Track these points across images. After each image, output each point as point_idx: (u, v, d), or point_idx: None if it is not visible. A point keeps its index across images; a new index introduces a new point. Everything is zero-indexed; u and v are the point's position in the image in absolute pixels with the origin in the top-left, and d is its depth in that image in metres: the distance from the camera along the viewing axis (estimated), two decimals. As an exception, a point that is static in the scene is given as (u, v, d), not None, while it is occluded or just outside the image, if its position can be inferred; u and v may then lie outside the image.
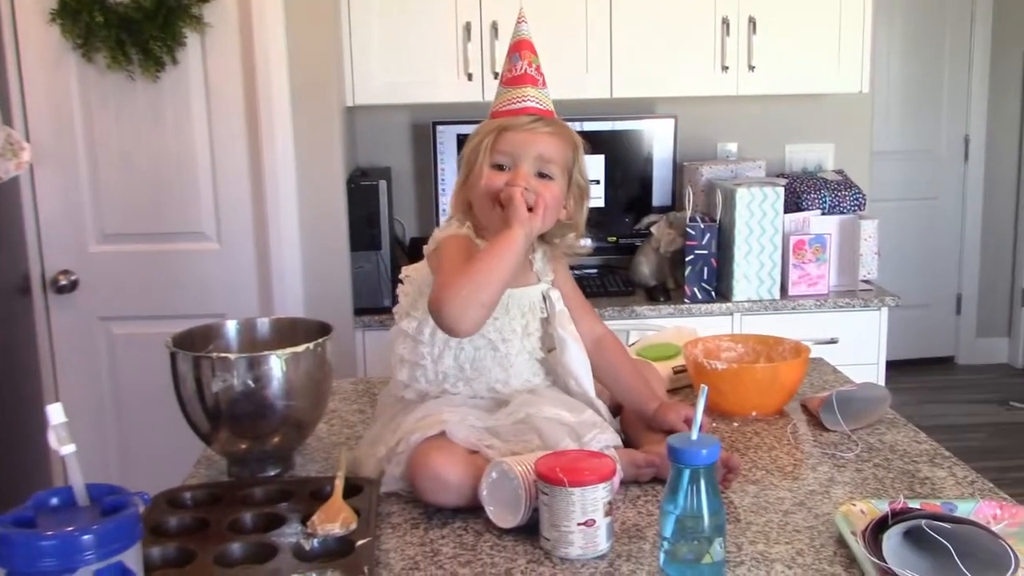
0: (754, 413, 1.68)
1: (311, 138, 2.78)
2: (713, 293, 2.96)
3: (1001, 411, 4.67)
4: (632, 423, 1.55)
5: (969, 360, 5.34)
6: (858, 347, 2.99)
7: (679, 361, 1.84)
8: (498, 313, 1.46)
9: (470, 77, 2.96)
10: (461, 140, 3.14)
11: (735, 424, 1.66)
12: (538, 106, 1.48)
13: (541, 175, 1.46)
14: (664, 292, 3.02)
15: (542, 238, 1.54)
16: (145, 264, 2.81)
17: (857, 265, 3.06)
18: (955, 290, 5.34)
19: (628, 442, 1.50)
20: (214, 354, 1.39)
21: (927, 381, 5.06)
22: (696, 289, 2.95)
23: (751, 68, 3.06)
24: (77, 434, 0.97)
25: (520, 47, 1.51)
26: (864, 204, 3.14)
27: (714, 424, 1.61)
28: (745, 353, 1.80)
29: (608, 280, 3.16)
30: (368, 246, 2.91)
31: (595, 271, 3.27)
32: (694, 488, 1.13)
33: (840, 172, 3.31)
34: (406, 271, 1.55)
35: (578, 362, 1.50)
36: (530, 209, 1.41)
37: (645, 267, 3.11)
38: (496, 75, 2.93)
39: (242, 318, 1.59)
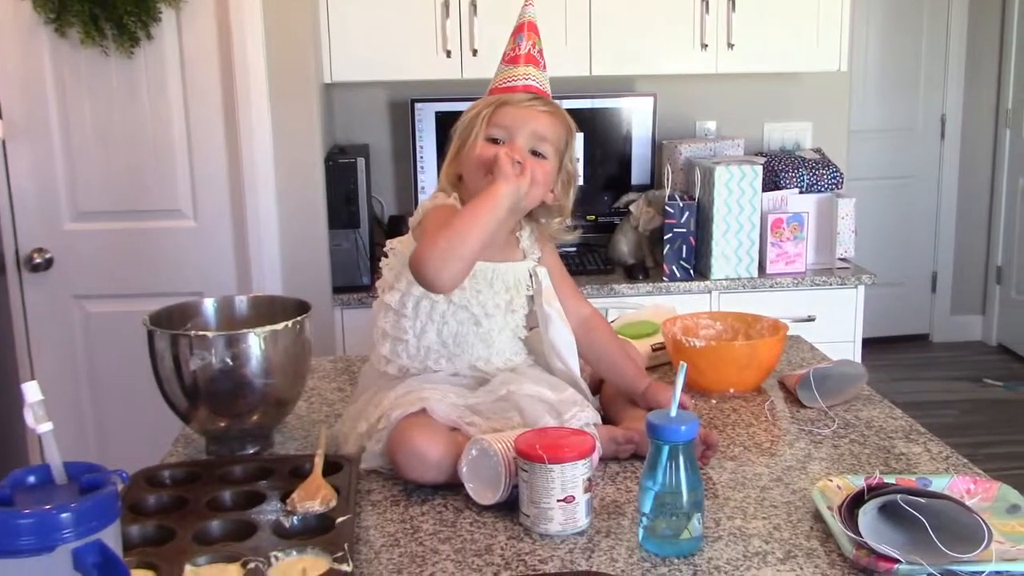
0: (732, 390, 1.69)
1: (288, 115, 2.76)
2: (691, 271, 2.97)
3: (975, 388, 4.72)
4: (612, 400, 1.56)
5: (944, 338, 5.39)
6: (835, 325, 3.01)
7: (657, 339, 1.85)
8: (481, 287, 1.46)
9: (448, 54, 2.95)
10: (440, 117, 3.13)
11: (713, 401, 1.67)
12: (538, 86, 1.49)
13: (534, 153, 1.46)
14: (643, 270, 3.02)
15: (529, 216, 1.54)
16: (121, 242, 2.79)
17: (834, 243, 3.08)
18: (930, 268, 5.39)
19: (608, 419, 1.51)
20: (192, 332, 1.38)
21: (902, 359, 5.10)
22: (674, 267, 2.96)
23: (730, 46, 3.06)
24: (54, 413, 0.96)
25: (525, 28, 1.53)
26: (842, 183, 3.15)
27: (694, 402, 1.61)
28: (723, 331, 1.81)
29: (587, 258, 3.17)
30: (346, 224, 2.89)
31: (574, 249, 3.27)
32: (673, 464, 1.14)
33: (818, 151, 3.32)
34: (390, 243, 1.54)
35: (562, 339, 1.51)
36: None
37: (624, 245, 3.12)
38: (475, 52, 2.93)
39: (220, 296, 1.58)
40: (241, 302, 1.58)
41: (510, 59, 1.52)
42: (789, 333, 1.78)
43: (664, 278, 2.97)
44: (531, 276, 1.52)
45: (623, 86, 3.28)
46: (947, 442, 1.48)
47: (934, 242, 5.36)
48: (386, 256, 1.53)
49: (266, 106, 2.74)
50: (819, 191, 3.12)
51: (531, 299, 1.53)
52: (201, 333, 1.38)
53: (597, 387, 1.61)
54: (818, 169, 3.14)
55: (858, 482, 1.22)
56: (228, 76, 2.72)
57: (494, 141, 1.46)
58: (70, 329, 2.82)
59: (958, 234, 5.34)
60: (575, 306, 1.58)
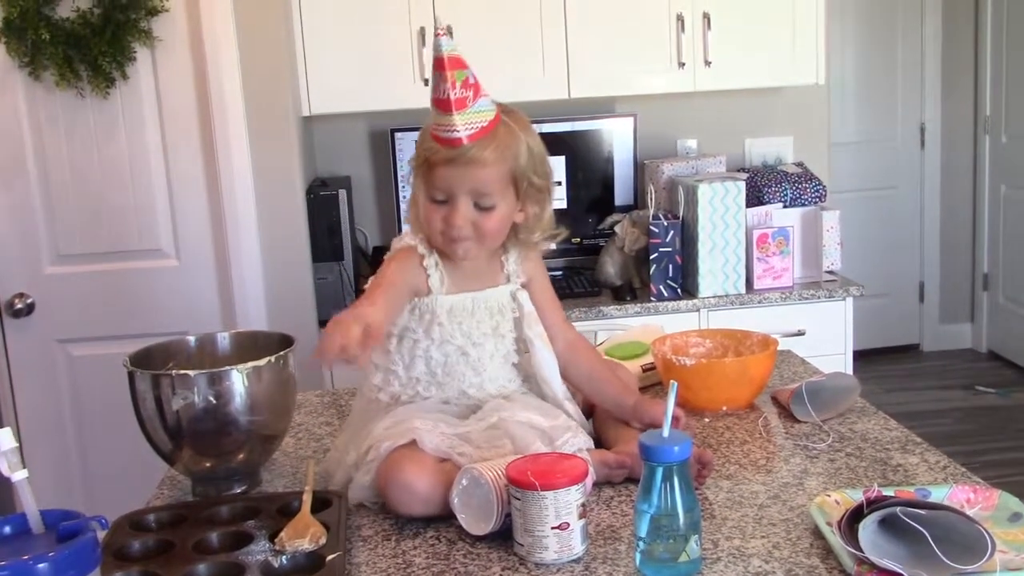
0: (724, 408, 1.67)
1: (268, 149, 2.76)
2: (679, 290, 2.95)
3: (968, 396, 4.71)
4: (605, 423, 1.53)
5: (934, 347, 5.39)
6: (825, 338, 3.00)
7: (647, 359, 1.83)
8: (462, 318, 1.44)
9: (426, 83, 2.93)
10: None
11: (706, 419, 1.65)
12: (467, 133, 1.34)
13: (479, 206, 1.40)
14: (630, 291, 3.01)
15: (511, 236, 1.50)
16: (103, 284, 2.77)
17: (820, 256, 3.07)
18: (917, 278, 5.39)
19: (601, 443, 1.49)
20: (173, 371, 1.36)
21: (893, 369, 5.09)
22: (662, 287, 2.95)
23: (707, 64, 3.06)
24: (38, 458, 0.94)
25: (441, 66, 1.35)
26: (825, 195, 3.15)
27: (687, 421, 1.59)
28: (713, 348, 1.79)
29: (573, 281, 3.15)
30: (330, 256, 2.88)
31: (560, 272, 3.26)
32: (667, 486, 1.11)
33: (800, 164, 3.32)
34: (372, 279, 1.52)
35: (546, 363, 1.49)
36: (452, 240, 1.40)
37: (610, 267, 3.10)
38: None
39: (201, 333, 1.56)
40: (223, 339, 1.56)
41: (434, 100, 1.37)
42: (780, 348, 1.76)
43: (652, 298, 2.95)
44: (513, 299, 1.50)
45: (603, 108, 3.28)
46: (943, 451, 1.46)
47: (920, 251, 5.36)
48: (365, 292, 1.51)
49: (245, 141, 2.73)
50: (803, 204, 3.12)
51: (518, 321, 1.51)
52: (182, 372, 1.35)
53: (590, 411, 1.59)
54: (801, 183, 3.14)
55: (856, 496, 1.20)
56: (205, 113, 2.72)
57: (437, 201, 1.40)
58: (54, 373, 2.79)
59: (943, 242, 5.35)
60: (561, 330, 1.56)
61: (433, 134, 1.38)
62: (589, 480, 1.27)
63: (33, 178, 2.72)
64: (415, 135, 3.05)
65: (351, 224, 2.98)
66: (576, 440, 1.39)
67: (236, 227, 2.75)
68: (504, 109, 1.42)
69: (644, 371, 1.81)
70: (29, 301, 2.74)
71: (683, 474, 1.12)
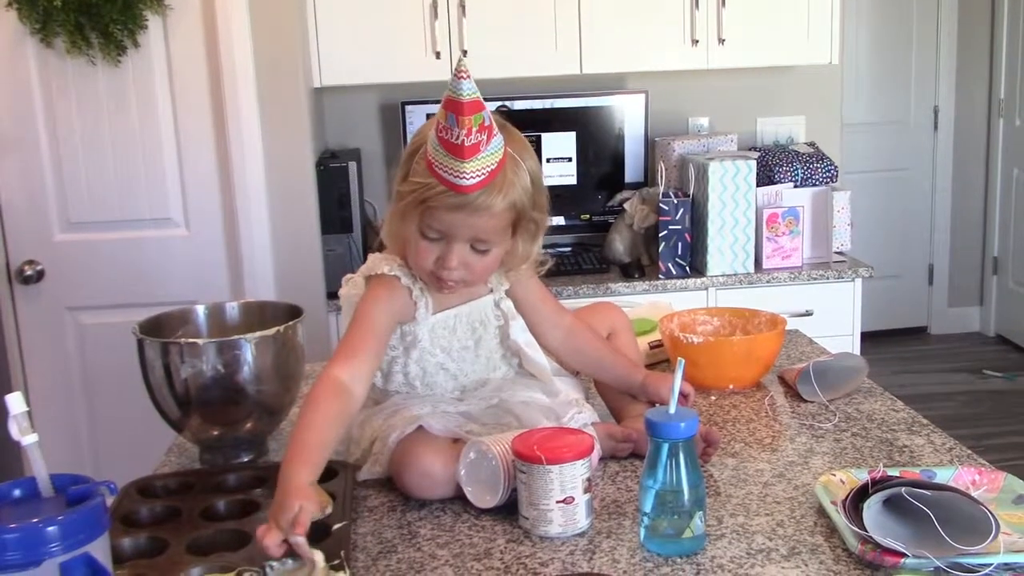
0: (731, 386, 1.67)
1: (278, 120, 2.74)
2: (687, 268, 2.95)
3: (975, 379, 4.71)
4: (612, 397, 1.53)
5: (942, 330, 5.38)
6: (833, 318, 3.00)
7: (655, 336, 1.83)
8: (442, 335, 1.39)
9: (438, 55, 2.93)
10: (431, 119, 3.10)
11: (713, 397, 1.65)
12: (477, 180, 1.23)
13: (475, 249, 1.31)
14: (639, 268, 3.01)
15: None
16: (112, 252, 2.77)
17: (830, 237, 3.06)
18: (927, 260, 5.37)
19: (612, 414, 1.48)
20: (182, 340, 1.36)
21: (901, 351, 5.09)
22: (670, 265, 2.94)
23: (721, 42, 3.04)
24: (47, 425, 0.95)
25: (459, 110, 1.20)
26: (836, 176, 3.14)
27: (695, 398, 1.59)
28: (721, 326, 1.79)
29: (582, 258, 3.15)
30: (339, 229, 2.88)
31: (569, 249, 3.26)
32: (673, 462, 1.12)
33: (812, 144, 3.31)
34: (341, 292, 1.47)
35: (537, 368, 1.46)
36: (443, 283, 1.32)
37: (619, 244, 3.10)
38: (464, 53, 2.92)
39: (210, 303, 1.56)
40: (232, 309, 1.56)
41: (442, 142, 1.22)
42: (787, 327, 1.76)
43: (660, 276, 2.95)
44: (497, 307, 1.45)
45: (614, 84, 3.27)
46: (949, 435, 1.46)
47: (930, 234, 5.34)
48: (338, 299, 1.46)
49: (255, 112, 2.72)
50: (814, 185, 3.10)
51: (503, 330, 1.45)
52: (191, 341, 1.36)
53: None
54: (812, 163, 3.12)
55: (861, 476, 1.21)
56: (216, 82, 2.70)
57: (429, 240, 1.30)
58: (62, 341, 2.80)
59: (954, 225, 5.33)
60: (555, 320, 1.50)
61: (438, 173, 1.23)
62: (595, 455, 1.28)
63: (44, 145, 2.71)
64: (426, 108, 3.12)
65: (360, 196, 2.97)
66: (582, 416, 1.39)
67: (246, 197, 2.75)
68: (501, 124, 1.27)
69: (651, 348, 1.81)
70: (39, 268, 2.75)
71: (689, 451, 1.13)
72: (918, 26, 5.11)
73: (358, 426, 1.41)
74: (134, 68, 2.68)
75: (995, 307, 5.29)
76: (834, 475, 1.26)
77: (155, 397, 1.41)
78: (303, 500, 1.11)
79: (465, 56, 2.93)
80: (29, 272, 2.73)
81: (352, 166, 2.88)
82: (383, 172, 3.31)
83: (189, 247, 2.79)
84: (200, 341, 1.36)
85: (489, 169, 1.24)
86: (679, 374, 1.14)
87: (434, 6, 2.90)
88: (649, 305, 2.03)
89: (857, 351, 2.99)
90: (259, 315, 1.53)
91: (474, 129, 1.20)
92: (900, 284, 5.27)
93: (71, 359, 2.82)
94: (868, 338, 3.23)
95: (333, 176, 2.86)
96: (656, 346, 1.81)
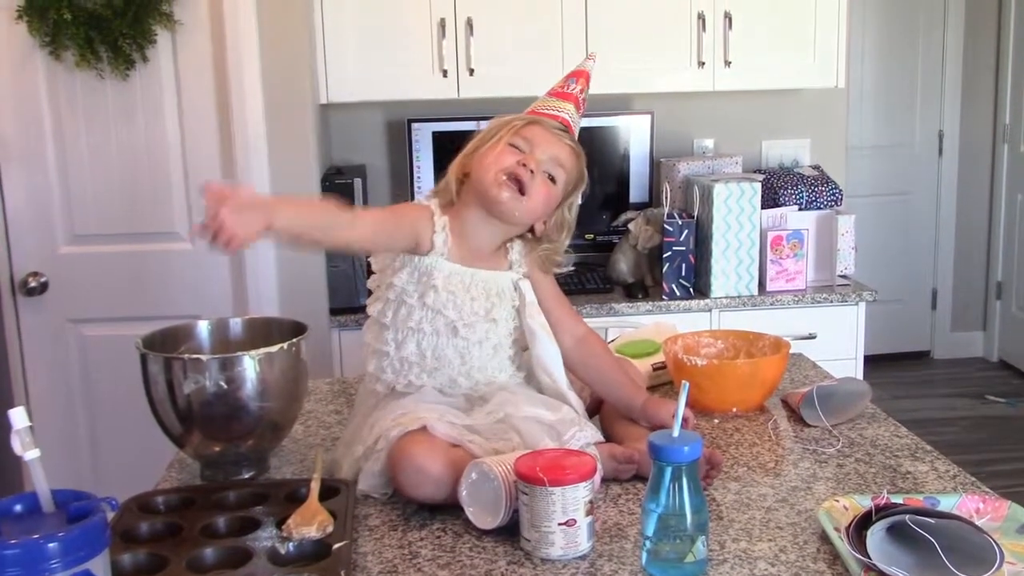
0: (735, 409, 1.67)
1: (284, 136, 2.74)
2: (691, 289, 2.95)
3: (977, 404, 4.69)
4: (613, 420, 1.53)
5: (945, 354, 5.37)
6: (836, 342, 2.99)
7: (658, 358, 1.82)
8: (457, 290, 1.45)
9: (445, 74, 2.94)
10: (436, 137, 3.12)
11: (716, 420, 1.64)
12: (571, 122, 1.53)
13: (548, 176, 1.48)
14: (642, 289, 3.00)
15: (520, 236, 1.52)
16: (117, 265, 2.76)
17: (835, 260, 3.06)
18: (930, 284, 5.37)
19: (609, 439, 1.48)
20: (185, 355, 1.36)
21: (903, 376, 5.08)
22: (674, 286, 2.94)
23: (727, 64, 3.05)
24: (49, 438, 0.94)
25: (580, 75, 1.59)
26: (841, 199, 3.14)
27: (696, 421, 1.59)
28: (725, 349, 1.79)
29: (586, 277, 3.14)
30: (344, 245, 2.87)
31: (572, 269, 3.17)
32: (676, 486, 1.11)
33: (817, 167, 3.31)
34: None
35: (549, 354, 1.49)
36: (520, 190, 1.44)
37: (623, 264, 3.09)
38: (471, 71, 2.93)
39: (214, 318, 1.56)
40: (236, 324, 1.56)
41: (556, 92, 1.57)
42: (791, 351, 1.76)
43: (664, 296, 2.94)
44: (515, 288, 1.50)
45: (620, 104, 3.27)
46: (951, 460, 1.45)
47: (934, 258, 5.34)
48: (372, 272, 1.52)
49: (262, 127, 2.72)
50: (818, 208, 3.10)
51: (519, 312, 1.51)
52: (195, 356, 1.36)
53: (597, 408, 1.59)
54: (817, 186, 3.12)
55: (865, 502, 1.20)
56: (224, 98, 2.71)
57: (516, 148, 1.46)
58: (65, 353, 2.80)
59: (958, 250, 5.33)
60: (570, 325, 1.56)
61: (539, 110, 1.53)
62: (597, 477, 1.27)
63: (51, 157, 2.71)
64: (432, 126, 3.12)
65: (365, 213, 2.97)
66: (583, 434, 1.39)
67: None
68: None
69: (654, 370, 1.81)
70: (43, 280, 2.75)
71: (692, 475, 1.12)
72: (923, 51, 5.13)
73: (368, 427, 1.41)
74: (142, 82, 2.68)
75: (998, 332, 5.28)
76: (837, 501, 1.25)
77: (157, 412, 1.41)
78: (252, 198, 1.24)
79: (471, 75, 2.94)
80: (33, 284, 2.73)
81: (357, 182, 2.88)
82: (388, 188, 3.32)
83: (193, 261, 2.79)
84: (203, 357, 1.36)
85: (575, 128, 1.54)
86: (683, 397, 1.14)
87: (442, 25, 2.91)
88: (653, 326, 2.02)
89: (860, 375, 2.98)
90: (263, 331, 1.53)
91: (585, 93, 1.57)
92: (903, 308, 5.27)
93: (73, 372, 2.81)
94: (870, 362, 3.22)
95: (338, 192, 2.85)
96: (659, 368, 1.81)
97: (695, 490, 1.13)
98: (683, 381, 1.12)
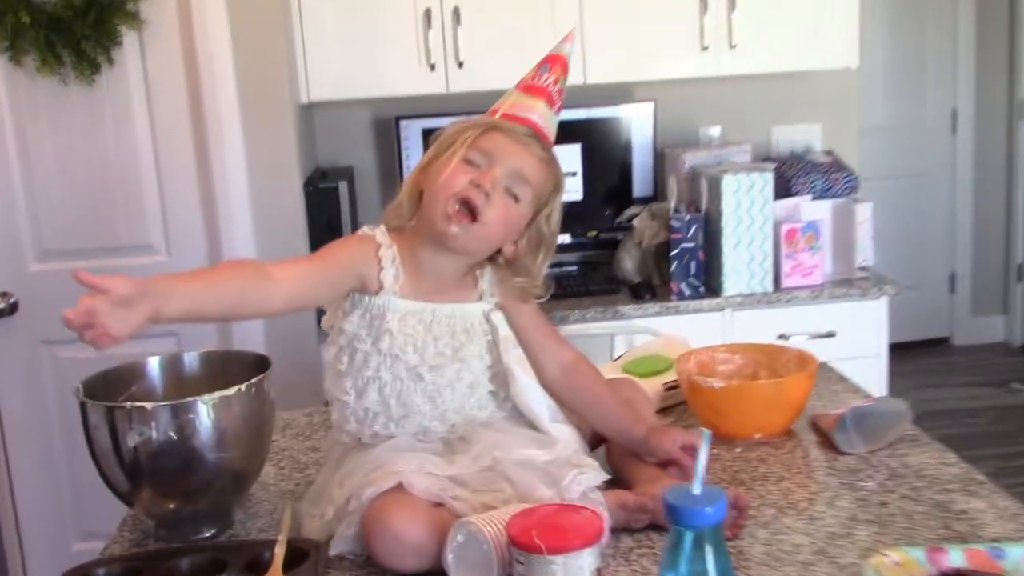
0: (758, 435, 1.49)
1: (263, 139, 2.60)
2: (702, 288, 2.78)
3: (1002, 393, 4.51)
4: (621, 458, 1.35)
5: (965, 340, 5.18)
6: (857, 339, 2.82)
7: (670, 376, 1.65)
8: (416, 332, 1.25)
9: (432, 67, 2.77)
10: (426, 134, 2.95)
11: (737, 449, 1.46)
12: (542, 125, 1.31)
13: (510, 192, 1.26)
14: (649, 289, 2.83)
15: (491, 259, 1.33)
16: (90, 282, 2.61)
17: (853, 252, 2.89)
18: (948, 268, 5.18)
19: (618, 481, 1.30)
20: (128, 404, 1.19)
21: (923, 364, 4.89)
22: (683, 285, 2.77)
23: (732, 47, 2.88)
24: (24, 464, 0.77)
25: (554, 61, 1.36)
26: (857, 186, 2.96)
27: (715, 451, 1.41)
28: (744, 365, 1.61)
29: (589, 278, 2.98)
30: (330, 253, 2.71)
31: (575, 268, 3.09)
32: (698, 553, 0.94)
33: (830, 153, 3.13)
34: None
35: (531, 396, 1.30)
36: (472, 217, 1.23)
37: (628, 263, 2.93)
38: (460, 64, 2.77)
39: (166, 354, 1.39)
40: (191, 360, 1.38)
41: (524, 86, 1.34)
42: (810, 356, 1.57)
43: (672, 297, 2.77)
44: (487, 320, 1.31)
45: (620, 94, 3.09)
46: (975, 454, 1.28)
47: (951, 241, 5.15)
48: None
49: (239, 131, 2.58)
50: (833, 196, 2.93)
51: (494, 346, 1.32)
52: (138, 405, 1.18)
53: (600, 438, 1.41)
54: (831, 173, 2.95)
55: (919, 555, 1.03)
56: (197, 100, 2.56)
57: (471, 163, 1.26)
58: (39, 376, 2.65)
59: (975, 232, 5.14)
60: (556, 352, 1.37)
61: (503, 112, 1.31)
62: (605, 538, 1.09)
63: (15, 170, 2.57)
64: (421, 122, 2.95)
65: (353, 218, 2.82)
66: (584, 478, 1.21)
67: (229, 221, 2.60)
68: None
69: (667, 390, 1.63)
70: (12, 300, 2.60)
71: (716, 538, 0.95)
72: (935, 25, 4.93)
73: (336, 484, 1.24)
74: (109, 87, 2.54)
75: (1020, 316, 5.09)
76: (886, 555, 1.07)
77: (101, 467, 1.24)
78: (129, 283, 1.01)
79: (460, 68, 2.76)
80: (2, 305, 2.59)
81: (343, 186, 2.72)
82: (378, 191, 3.14)
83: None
84: (148, 405, 1.18)
85: (547, 130, 1.32)
86: (704, 449, 0.96)
87: (427, 15, 2.74)
88: (663, 340, 1.85)
89: (884, 373, 2.82)
90: (222, 367, 1.36)
91: (559, 83, 1.34)
92: (920, 294, 5.06)
93: (48, 395, 2.66)
94: (889, 351, 3.03)
95: (323, 197, 2.71)
96: (671, 387, 1.63)
97: (720, 553, 0.95)
98: (704, 430, 0.94)
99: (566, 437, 1.29)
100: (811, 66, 3.02)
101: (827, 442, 1.46)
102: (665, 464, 1.30)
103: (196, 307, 1.10)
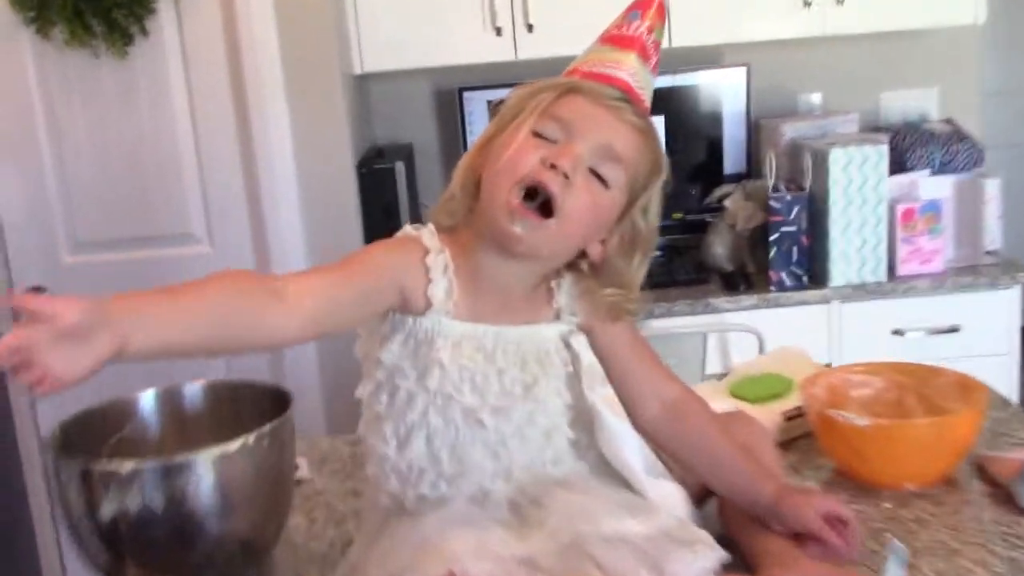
0: (910, 485, 1.17)
1: (311, 115, 2.43)
2: (805, 278, 2.49)
3: None
4: (736, 520, 1.05)
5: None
6: (984, 335, 2.52)
7: (790, 401, 1.34)
8: (475, 362, 0.97)
9: (499, 32, 2.53)
10: (492, 107, 2.69)
11: (885, 505, 1.14)
12: (634, 84, 1.03)
13: (595, 174, 0.97)
14: (744, 278, 2.55)
15: (570, 266, 1.04)
16: (128, 274, 2.45)
17: (979, 234, 2.56)
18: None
19: (728, 545, 1.00)
20: (98, 468, 0.92)
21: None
22: (784, 274, 2.47)
23: (839, 2, 2.55)
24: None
25: (645, 5, 1.08)
26: (982, 159, 2.63)
27: (857, 508, 1.10)
28: (885, 389, 1.29)
29: (676, 265, 2.70)
30: (387, 241, 2.47)
31: (660, 254, 2.78)
32: None
33: (949, 121, 2.78)
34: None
35: (623, 444, 1.03)
36: (545, 210, 0.95)
37: (719, 248, 2.64)
38: (530, 28, 2.54)
39: (162, 388, 1.12)
40: (193, 394, 1.11)
41: (608, 37, 1.07)
42: (970, 376, 1.25)
43: (771, 287, 2.48)
44: (566, 346, 1.04)
45: (709, 58, 2.80)
46: None
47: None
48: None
49: (284, 106, 2.42)
50: (955, 171, 2.60)
51: (574, 379, 1.04)
52: (109, 470, 0.91)
53: (706, 494, 1.10)
54: (951, 144, 2.61)
55: None
56: (238, 73, 2.40)
57: (542, 137, 0.97)
58: (75, 378, 2.46)
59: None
60: (657, 385, 1.08)
61: (585, 70, 1.04)
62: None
63: (46, 154, 2.44)
64: (486, 94, 2.67)
65: (412, 201, 2.57)
66: (698, 560, 0.91)
67: (276, 207, 2.43)
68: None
69: (787, 419, 1.32)
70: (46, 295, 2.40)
71: None
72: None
73: (375, 564, 0.96)
74: (143, 60, 2.39)
75: None
76: None
77: (76, 533, 0.98)
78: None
79: (530, 32, 2.48)
80: (34, 301, 2.39)
81: (399, 166, 2.48)
82: (440, 170, 2.89)
83: (212, 266, 2.42)
84: (123, 469, 0.91)
85: (642, 89, 1.05)
86: (893, 568, 0.65)
87: (492, -28, 2.47)
88: (777, 355, 1.53)
89: (1015, 373, 2.50)
90: (230, 403, 1.08)
91: (654, 33, 1.08)
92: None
93: (84, 397, 2.46)
94: (1021, 348, 2.68)
95: (377, 179, 2.48)
96: (793, 416, 1.32)
97: None
98: (900, 545, 0.64)
99: (669, 500, 0.99)
100: (932, 23, 2.70)
101: (1003, 495, 1.14)
102: (799, 537, 1.00)
103: (176, 338, 0.82)
